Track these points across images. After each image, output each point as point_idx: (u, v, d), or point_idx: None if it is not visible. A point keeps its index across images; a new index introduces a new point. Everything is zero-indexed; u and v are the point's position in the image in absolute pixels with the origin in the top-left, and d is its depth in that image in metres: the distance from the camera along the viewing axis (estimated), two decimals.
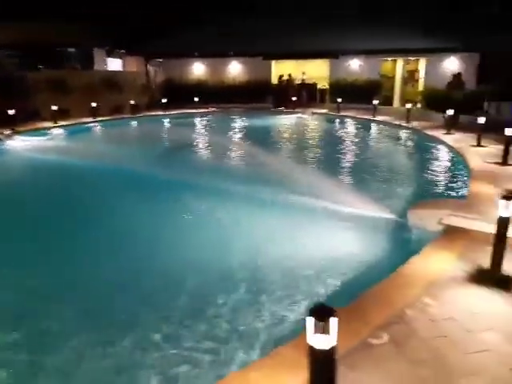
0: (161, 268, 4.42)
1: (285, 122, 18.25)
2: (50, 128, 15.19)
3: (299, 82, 22.62)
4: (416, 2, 21.64)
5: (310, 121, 18.15)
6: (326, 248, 4.89)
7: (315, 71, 24.20)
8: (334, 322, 1.75)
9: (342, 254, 4.66)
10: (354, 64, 22.74)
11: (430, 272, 3.71)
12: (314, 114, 19.35)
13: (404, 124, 14.17)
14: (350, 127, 16.18)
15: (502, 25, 18.32)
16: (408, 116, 14.35)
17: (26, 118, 15.56)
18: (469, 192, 6.18)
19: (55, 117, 15.74)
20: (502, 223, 3.48)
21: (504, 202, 3.39)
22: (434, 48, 20.49)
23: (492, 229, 4.38)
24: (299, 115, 19.44)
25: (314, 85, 23.74)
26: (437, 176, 8.21)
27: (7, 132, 13.53)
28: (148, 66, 25.14)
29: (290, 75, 22.12)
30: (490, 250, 4.10)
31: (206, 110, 20.73)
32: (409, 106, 14.62)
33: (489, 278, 3.58)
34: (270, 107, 22.02)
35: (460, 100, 16.03)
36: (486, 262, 3.79)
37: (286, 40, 21.61)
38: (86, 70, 22.10)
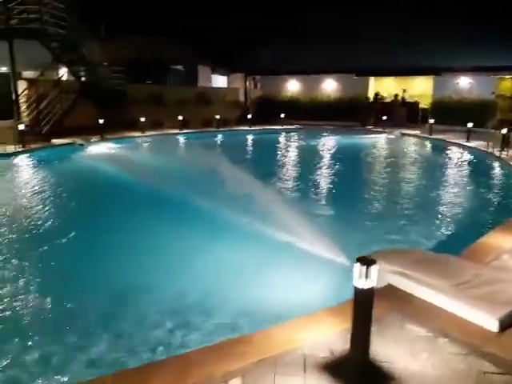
0: None
1: (364, 141, 16.96)
2: (135, 137, 16.55)
3: (395, 100, 20.89)
4: None
5: (393, 142, 16.50)
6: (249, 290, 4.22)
7: (418, 89, 22.11)
8: None
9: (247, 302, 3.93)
10: (463, 82, 20.07)
11: (278, 345, 2.83)
12: (402, 134, 17.57)
13: (495, 152, 11.85)
14: (429, 152, 14.30)
15: None
16: (503, 143, 11.98)
17: (121, 127, 17.23)
18: (475, 244, 4.73)
19: (144, 127, 17.16)
20: (359, 296, 2.47)
21: (360, 267, 2.40)
22: None
23: (439, 300, 3.29)
24: (386, 135, 17.91)
25: (416, 104, 21.64)
26: (468, 221, 6.56)
27: (94, 139, 15.15)
28: (246, 83, 25.94)
29: (376, 94, 20.66)
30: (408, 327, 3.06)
31: (291, 127, 20.41)
32: (504, 130, 12.18)
33: (347, 366, 2.59)
34: (360, 125, 20.76)
35: None
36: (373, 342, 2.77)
37: (383, 56, 20.20)
38: (190, 85, 23.74)
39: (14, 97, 14.90)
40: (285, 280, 4.47)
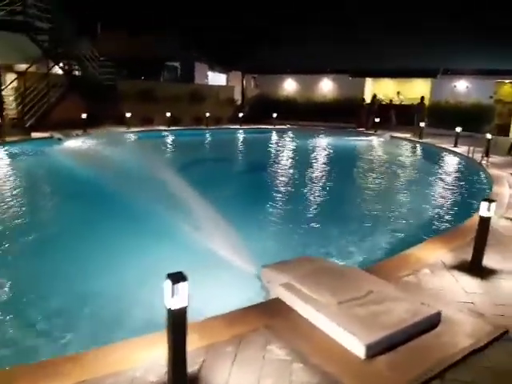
0: None
1: (350, 144, 16.57)
2: (119, 132, 16.34)
3: (385, 103, 20.45)
4: None
5: (379, 145, 16.16)
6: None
7: (417, 92, 21.57)
8: None
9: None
10: (461, 85, 19.52)
11: (111, 365, 2.53)
12: (392, 137, 17.14)
13: (477, 159, 11.37)
14: (411, 155, 13.98)
15: None
16: (487, 149, 11.50)
17: (109, 122, 17.01)
18: (399, 254, 4.39)
19: (132, 123, 17.00)
20: (170, 316, 2.15)
21: (169, 285, 2.08)
22: None
23: (318, 318, 2.95)
24: (377, 138, 17.52)
25: (412, 107, 21.10)
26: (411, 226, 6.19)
27: (75, 133, 14.98)
28: (243, 81, 25.65)
29: (374, 96, 20.23)
30: (272, 349, 2.75)
31: (282, 127, 20.06)
32: (488, 136, 11.67)
33: None
34: (353, 127, 20.34)
35: None
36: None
37: (380, 57, 19.74)
38: (186, 82, 23.51)
39: None
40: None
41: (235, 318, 3.08)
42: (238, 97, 24.62)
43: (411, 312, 3.02)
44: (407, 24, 19.42)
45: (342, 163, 12.43)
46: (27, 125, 15.37)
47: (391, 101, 20.78)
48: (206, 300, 3.83)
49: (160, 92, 19.72)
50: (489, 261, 4.18)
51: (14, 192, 7.86)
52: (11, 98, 16.72)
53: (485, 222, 3.93)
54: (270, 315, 3.13)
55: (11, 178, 9.13)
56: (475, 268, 3.98)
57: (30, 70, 16.63)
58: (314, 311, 3.01)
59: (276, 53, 23.13)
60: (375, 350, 2.67)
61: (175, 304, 2.09)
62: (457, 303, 3.38)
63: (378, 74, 20.96)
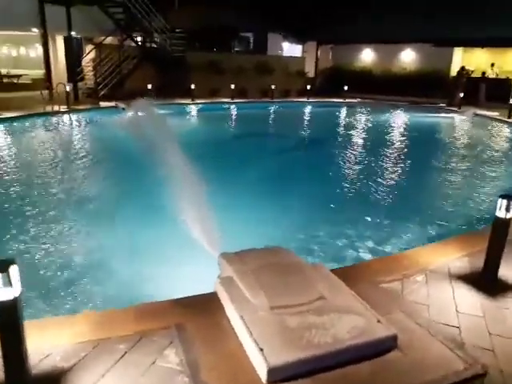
0: None
1: (424, 121, 14.83)
2: (182, 104, 16.51)
3: (475, 76, 17.98)
4: None
5: (457, 124, 14.28)
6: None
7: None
8: None
9: None
10: None
11: None
12: (475, 115, 15.06)
13: None
14: (486, 139, 12.04)
15: None
16: None
17: (177, 93, 17.25)
18: (400, 253, 3.62)
19: (198, 95, 17.06)
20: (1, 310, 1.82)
21: None
22: None
23: (238, 324, 2.48)
24: (458, 116, 15.55)
25: (508, 81, 18.33)
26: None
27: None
28: (318, 52, 24.40)
29: (462, 68, 17.87)
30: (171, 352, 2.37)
31: (352, 101, 18.76)
32: None
33: None
34: (435, 103, 18.28)
35: None
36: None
37: (468, 25, 17.26)
38: (259, 53, 22.98)
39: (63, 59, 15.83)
40: None
41: (151, 312, 2.71)
42: (311, 68, 23.50)
43: (357, 330, 2.38)
44: None
45: (404, 144, 11.11)
46: (100, 94, 16.16)
47: (484, 73, 18.23)
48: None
49: (228, 63, 19.49)
50: (511, 272, 3.26)
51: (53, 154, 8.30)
52: (89, 69, 17.67)
53: (502, 224, 3.02)
54: (192, 312, 2.71)
55: (61, 142, 9.66)
56: (486, 280, 3.12)
57: (109, 42, 17.36)
58: (236, 314, 2.52)
59: (353, 22, 21.44)
60: (282, 375, 2.13)
61: (2, 295, 1.77)
62: (435, 325, 2.64)
63: (465, 43, 18.41)
